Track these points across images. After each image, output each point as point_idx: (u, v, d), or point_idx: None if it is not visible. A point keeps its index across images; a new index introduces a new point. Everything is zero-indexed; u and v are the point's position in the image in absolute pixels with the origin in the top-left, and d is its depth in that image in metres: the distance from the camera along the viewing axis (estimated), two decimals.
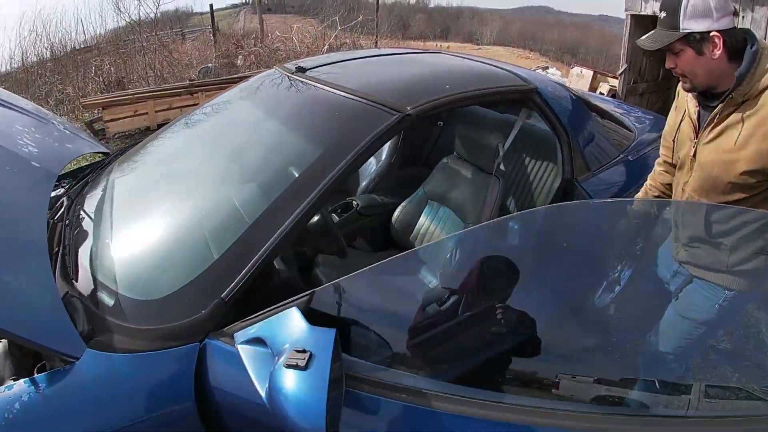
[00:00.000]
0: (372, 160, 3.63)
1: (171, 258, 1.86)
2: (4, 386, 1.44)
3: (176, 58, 11.06)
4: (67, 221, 2.19)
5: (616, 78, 8.53)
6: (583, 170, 2.59)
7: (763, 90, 1.65)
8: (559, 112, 2.59)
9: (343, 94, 2.21)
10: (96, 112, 7.62)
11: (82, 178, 2.70)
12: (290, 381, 1.24)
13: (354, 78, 2.45)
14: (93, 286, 1.77)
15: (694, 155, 1.85)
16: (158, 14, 12.28)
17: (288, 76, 2.58)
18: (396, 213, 3.08)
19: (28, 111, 2.81)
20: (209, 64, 11.16)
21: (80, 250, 1.96)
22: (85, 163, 3.32)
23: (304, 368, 1.25)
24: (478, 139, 2.74)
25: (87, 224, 2.14)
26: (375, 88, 2.22)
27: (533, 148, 3.00)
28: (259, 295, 1.72)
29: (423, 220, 2.99)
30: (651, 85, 8.58)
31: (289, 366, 1.26)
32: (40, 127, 2.66)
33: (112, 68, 10.06)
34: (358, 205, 3.17)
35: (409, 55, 3.17)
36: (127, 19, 11.44)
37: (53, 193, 2.43)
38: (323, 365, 1.26)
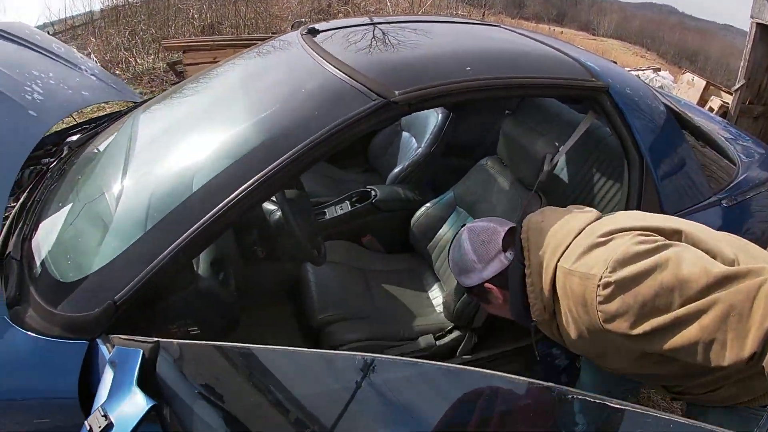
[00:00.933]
0: (413, 144, 3.11)
1: (90, 241, 1.75)
2: None
3: (267, 9, 10.77)
4: (48, 176, 2.20)
5: (731, 94, 7.55)
6: (654, 208, 1.96)
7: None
8: (635, 125, 1.97)
9: (331, 67, 1.83)
10: (177, 54, 7.43)
11: (87, 130, 2.67)
12: None
13: (358, 49, 2.04)
14: (33, 252, 1.74)
15: None
16: None
17: (299, 39, 2.20)
18: (417, 214, 2.60)
19: (56, 55, 2.81)
20: (302, 19, 10.84)
21: (45, 209, 1.96)
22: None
23: None
24: (524, 143, 2.17)
25: (62, 183, 2.12)
26: (370, 64, 1.83)
27: (598, 166, 2.33)
28: (174, 302, 1.69)
29: (446, 229, 2.49)
30: None
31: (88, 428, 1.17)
32: (62, 73, 2.67)
33: (200, 14, 9.88)
34: (375, 195, 2.67)
35: (456, 25, 2.59)
36: None
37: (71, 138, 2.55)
38: None
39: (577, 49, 2.48)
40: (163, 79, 7.30)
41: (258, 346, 1.21)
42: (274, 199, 2.09)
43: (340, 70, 1.79)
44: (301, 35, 2.22)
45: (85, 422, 1.18)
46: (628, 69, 11.49)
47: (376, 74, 1.73)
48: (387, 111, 1.62)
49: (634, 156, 1.96)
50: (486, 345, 2.18)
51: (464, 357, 2.12)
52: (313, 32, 2.23)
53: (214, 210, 1.49)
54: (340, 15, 11.13)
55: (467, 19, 2.97)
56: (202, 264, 1.98)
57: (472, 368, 1.12)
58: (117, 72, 7.43)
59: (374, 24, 2.33)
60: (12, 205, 2.10)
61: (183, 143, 1.99)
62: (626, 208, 1.96)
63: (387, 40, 2.07)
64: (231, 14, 10.13)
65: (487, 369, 2.08)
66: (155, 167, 1.92)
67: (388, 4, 11.67)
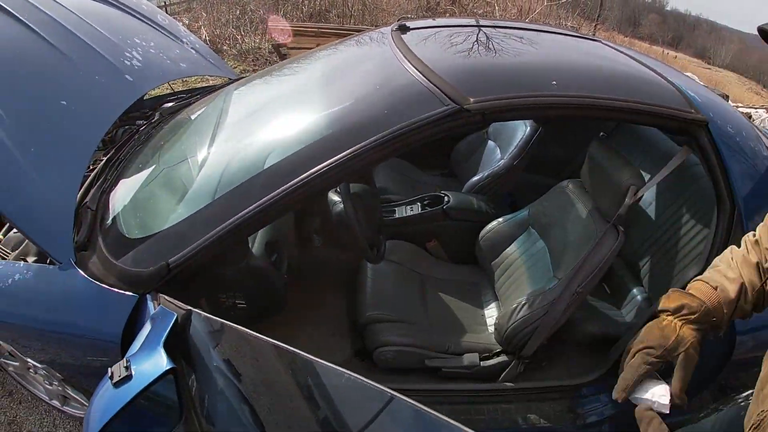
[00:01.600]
0: (497, 154, 3.01)
1: (161, 204, 1.86)
2: (19, 263, 1.78)
3: (375, 2, 10.90)
4: (135, 137, 2.31)
5: None
6: None
7: None
8: (732, 168, 1.80)
9: (410, 67, 1.79)
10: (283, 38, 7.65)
11: (183, 99, 2.78)
12: (99, 388, 1.24)
13: (443, 50, 2.01)
14: (108, 206, 1.89)
15: None
16: None
17: (389, 35, 2.17)
18: (487, 228, 2.50)
19: (160, 26, 2.98)
20: (408, 15, 10.81)
21: (128, 168, 2.08)
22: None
23: (114, 385, 1.22)
24: (609, 170, 2.00)
25: (147, 146, 2.23)
26: (450, 68, 1.77)
27: (688, 207, 2.15)
28: (225, 275, 1.80)
29: (514, 248, 2.39)
30: None
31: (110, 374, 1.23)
32: (163, 43, 2.84)
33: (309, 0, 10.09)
34: (447, 201, 2.60)
35: (553, 35, 2.45)
36: None
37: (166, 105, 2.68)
38: (124, 395, 1.19)
39: (681, 75, 2.30)
40: (267, 60, 7.51)
41: (282, 345, 1.20)
42: (339, 190, 2.05)
43: (418, 71, 1.74)
44: (392, 31, 2.18)
45: (109, 369, 1.24)
46: (739, 105, 10.90)
47: (454, 79, 1.67)
48: (458, 118, 1.57)
49: (726, 203, 1.80)
50: (532, 376, 2.09)
51: (506, 384, 2.04)
52: (404, 29, 2.19)
53: (274, 192, 1.52)
54: (447, 14, 11.07)
55: (567, 31, 2.80)
56: (257, 243, 1.99)
57: None
58: (224, 47, 7.75)
59: (467, 26, 2.25)
60: (101, 159, 2.25)
61: (264, 124, 2.03)
62: (708, 259, 1.79)
63: (475, 45, 1.99)
64: (339, 3, 10.35)
65: (530, 401, 2.02)
66: (235, 143, 1.96)
67: (496, 7, 11.48)
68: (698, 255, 1.95)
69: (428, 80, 1.68)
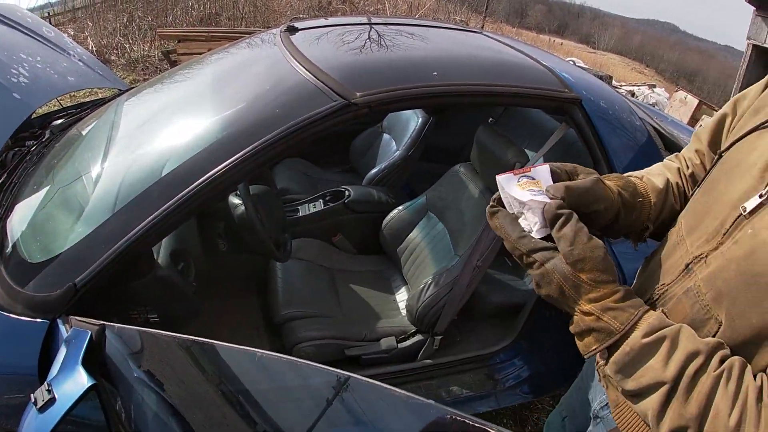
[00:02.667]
0: (393, 146, 3.11)
1: (60, 224, 1.77)
2: None
3: (266, 3, 10.78)
4: (27, 159, 2.20)
5: None
6: None
7: None
8: (608, 140, 1.96)
9: (298, 66, 1.83)
10: (173, 44, 7.46)
11: (72, 115, 2.65)
12: (24, 417, 1.21)
13: (330, 49, 2.05)
14: (6, 233, 1.77)
15: (756, 209, 0.83)
16: None
17: (278, 36, 2.19)
18: (389, 217, 2.59)
19: (46, 39, 2.85)
20: (300, 15, 10.80)
21: (22, 191, 1.97)
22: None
23: (39, 410, 1.18)
24: (495, 151, 2.16)
25: (40, 166, 2.13)
26: (336, 65, 1.82)
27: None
28: (134, 289, 1.73)
29: (416, 234, 2.49)
30: None
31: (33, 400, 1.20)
32: (49, 57, 2.71)
33: (199, 4, 9.85)
34: (349, 195, 2.67)
35: (436, 29, 2.56)
36: None
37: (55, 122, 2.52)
38: (51, 419, 1.16)
39: (555, 59, 2.47)
40: (157, 68, 7.26)
41: (197, 338, 1.22)
42: (239, 193, 2.08)
43: (306, 69, 1.78)
44: (281, 32, 2.21)
45: (31, 395, 1.21)
46: (623, 84, 11.58)
47: (341, 75, 1.72)
48: (347, 112, 1.61)
49: (605, 172, 1.93)
50: (449, 351, 2.19)
51: (425, 361, 2.13)
52: (292, 30, 2.22)
53: (171, 201, 1.51)
54: (339, 13, 11.12)
55: (451, 25, 2.92)
56: (162, 254, 1.98)
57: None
58: (112, 58, 7.41)
59: (354, 24, 2.32)
60: None
61: (157, 133, 1.99)
62: None
63: (362, 42, 2.06)
64: (230, 6, 10.12)
65: (449, 374, 2.11)
66: (129, 155, 1.92)
67: (387, 5, 11.66)
68: None
69: (316, 78, 1.72)
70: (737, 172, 0.88)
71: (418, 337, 2.17)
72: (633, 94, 10.71)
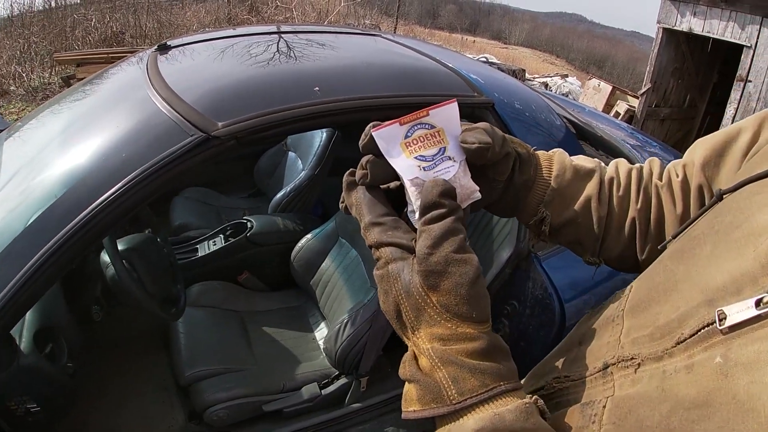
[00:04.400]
0: (298, 165, 2.84)
1: None
2: None
3: (170, 19, 10.43)
4: None
5: (637, 97, 7.70)
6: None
7: None
8: (527, 141, 1.76)
9: (155, 95, 1.55)
10: (71, 69, 6.97)
11: None
12: None
13: (199, 69, 1.79)
14: None
15: (741, 325, 0.49)
16: None
17: (146, 58, 1.90)
18: (297, 247, 2.33)
19: None
20: (206, 29, 10.44)
21: None
22: None
23: None
24: None
25: None
26: (199, 90, 1.53)
27: None
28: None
29: (328, 263, 2.24)
30: (674, 111, 7.77)
31: None
32: None
33: (101, 23, 9.38)
34: (251, 227, 2.39)
35: (327, 34, 2.28)
36: None
37: None
38: None
39: (465, 59, 2.28)
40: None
41: None
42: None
43: (162, 99, 1.49)
44: (152, 52, 1.94)
45: None
46: (536, 76, 11.72)
47: (201, 103, 1.44)
48: (208, 147, 1.34)
49: None
50: (379, 389, 1.96)
51: (354, 405, 1.90)
52: (164, 49, 1.95)
53: (18, 277, 1.22)
54: (245, 24, 10.84)
55: (345, 28, 2.68)
56: (25, 336, 1.65)
57: None
58: (12, 88, 6.95)
59: (235, 37, 2.06)
60: None
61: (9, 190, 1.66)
62: (518, 236, 1.76)
63: (237, 58, 1.80)
64: (133, 24, 9.74)
65: (383, 413, 1.88)
66: None
67: (295, 13, 11.45)
68: (508, 234, 1.91)
69: (173, 108, 1.44)
70: (732, 239, 0.52)
71: (343, 380, 1.94)
72: (546, 86, 10.86)
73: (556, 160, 0.74)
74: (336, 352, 1.87)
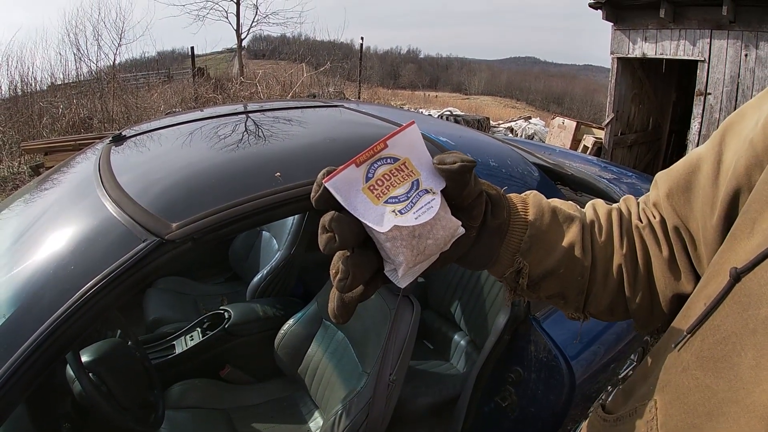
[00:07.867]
0: (273, 245, 2.71)
1: None
2: None
3: (137, 102, 10.39)
4: None
5: (602, 129, 7.77)
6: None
7: None
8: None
9: (104, 196, 1.41)
10: (39, 157, 6.80)
11: None
12: None
13: (151, 161, 1.68)
14: None
15: None
16: (117, 59, 11.86)
17: (102, 149, 1.79)
18: (280, 334, 2.17)
19: None
20: (176, 109, 10.46)
21: None
22: None
23: None
24: None
25: None
26: (152, 188, 1.40)
27: None
28: None
29: (314, 349, 2.07)
30: (640, 136, 7.85)
31: None
32: None
33: (68, 110, 9.31)
34: (228, 318, 2.23)
35: (291, 110, 2.19)
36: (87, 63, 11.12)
37: None
38: None
39: (431, 120, 2.23)
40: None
41: None
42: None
43: (112, 200, 1.37)
44: (106, 144, 1.83)
45: None
46: (501, 123, 11.84)
47: (154, 202, 1.32)
48: (164, 251, 1.20)
49: None
50: None
51: None
52: (118, 140, 1.84)
53: None
54: (211, 104, 10.86)
55: (309, 102, 2.59)
56: None
57: None
58: None
59: (195, 121, 1.97)
60: None
61: None
62: (512, 306, 1.65)
63: (194, 147, 1.69)
64: (100, 109, 9.72)
65: None
66: None
67: (259, 88, 11.51)
68: (497, 294, 1.80)
69: (123, 211, 1.31)
70: None
71: None
72: (512, 130, 10.95)
73: (531, 203, 0.65)
74: None
